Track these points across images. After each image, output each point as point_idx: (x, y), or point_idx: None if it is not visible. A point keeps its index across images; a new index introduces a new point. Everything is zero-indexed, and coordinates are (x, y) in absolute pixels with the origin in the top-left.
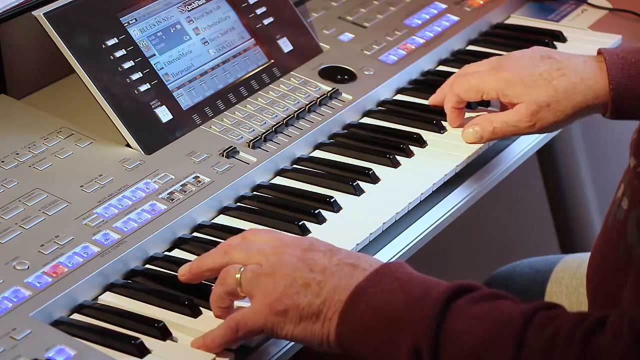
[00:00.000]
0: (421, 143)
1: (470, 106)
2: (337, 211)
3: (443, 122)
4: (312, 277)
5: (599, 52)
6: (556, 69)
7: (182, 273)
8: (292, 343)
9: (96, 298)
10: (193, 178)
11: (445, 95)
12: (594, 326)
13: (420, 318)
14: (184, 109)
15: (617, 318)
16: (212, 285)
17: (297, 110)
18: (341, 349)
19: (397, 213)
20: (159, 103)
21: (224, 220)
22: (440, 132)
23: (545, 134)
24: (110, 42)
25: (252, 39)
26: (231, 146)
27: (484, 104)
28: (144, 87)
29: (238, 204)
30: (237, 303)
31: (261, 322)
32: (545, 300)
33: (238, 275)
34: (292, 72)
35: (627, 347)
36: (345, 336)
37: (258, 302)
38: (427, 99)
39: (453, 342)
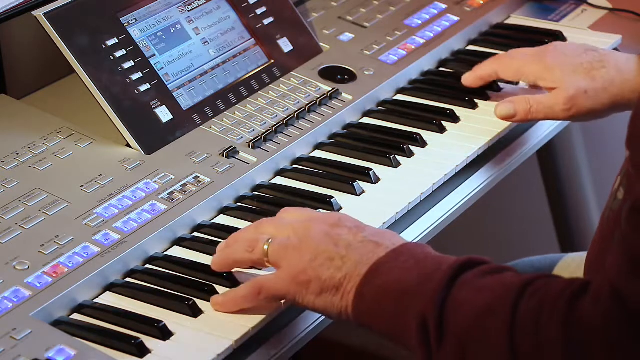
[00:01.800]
0: (421, 143)
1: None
2: (337, 211)
3: (443, 123)
4: (336, 252)
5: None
6: (597, 61)
7: (220, 248)
8: (291, 343)
9: (96, 298)
10: (193, 178)
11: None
12: (579, 291)
13: (429, 291)
14: (184, 109)
15: (599, 283)
16: (213, 285)
17: (297, 110)
18: (357, 323)
19: (397, 213)
20: (159, 103)
21: (224, 220)
22: (440, 132)
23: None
24: (110, 42)
25: (252, 39)
26: (231, 146)
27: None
28: (144, 87)
29: (238, 204)
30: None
31: (285, 290)
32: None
33: (266, 247)
34: (292, 72)
35: (607, 311)
36: (361, 310)
37: (283, 272)
38: (427, 99)
39: (456, 311)
